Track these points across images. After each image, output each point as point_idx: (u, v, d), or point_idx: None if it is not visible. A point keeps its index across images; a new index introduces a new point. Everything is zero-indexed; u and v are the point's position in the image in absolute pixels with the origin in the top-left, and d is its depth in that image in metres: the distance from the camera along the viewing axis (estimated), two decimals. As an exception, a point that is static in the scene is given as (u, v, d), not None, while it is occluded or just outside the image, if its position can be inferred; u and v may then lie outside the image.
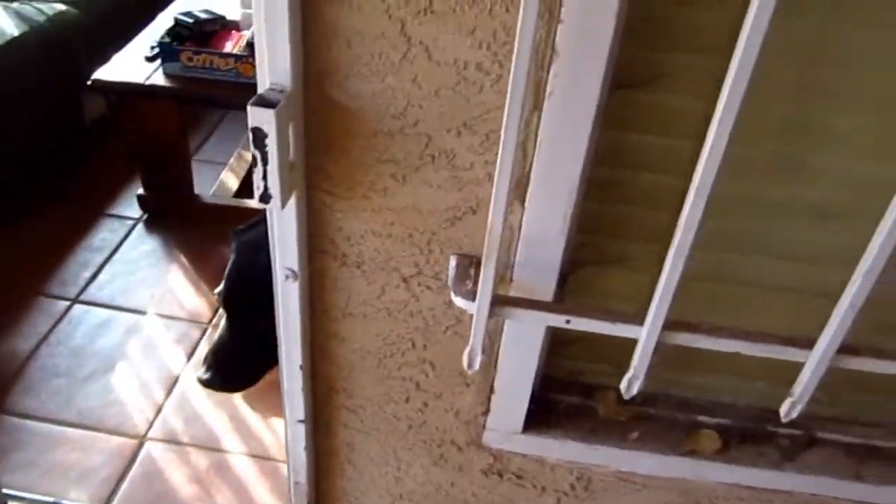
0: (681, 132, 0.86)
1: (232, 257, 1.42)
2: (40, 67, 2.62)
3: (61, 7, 2.77)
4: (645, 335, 0.81)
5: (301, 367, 1.02)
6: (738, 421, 1.11)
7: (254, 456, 1.92)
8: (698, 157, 0.68)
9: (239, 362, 1.40)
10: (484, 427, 1.09)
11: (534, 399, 1.05)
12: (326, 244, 0.91)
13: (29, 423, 1.94)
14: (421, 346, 1.00)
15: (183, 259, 2.49)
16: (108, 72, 2.32)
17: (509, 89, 0.65)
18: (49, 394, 2.01)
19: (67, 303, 2.29)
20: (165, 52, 2.29)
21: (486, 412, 1.07)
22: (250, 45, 2.28)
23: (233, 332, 1.39)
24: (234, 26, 2.42)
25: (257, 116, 0.73)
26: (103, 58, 2.93)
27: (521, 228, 0.85)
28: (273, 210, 0.86)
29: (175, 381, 2.09)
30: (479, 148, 0.80)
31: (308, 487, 1.21)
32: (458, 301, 0.85)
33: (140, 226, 2.61)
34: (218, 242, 2.55)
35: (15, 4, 2.71)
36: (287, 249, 0.89)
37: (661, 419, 1.11)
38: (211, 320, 2.28)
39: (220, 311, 1.42)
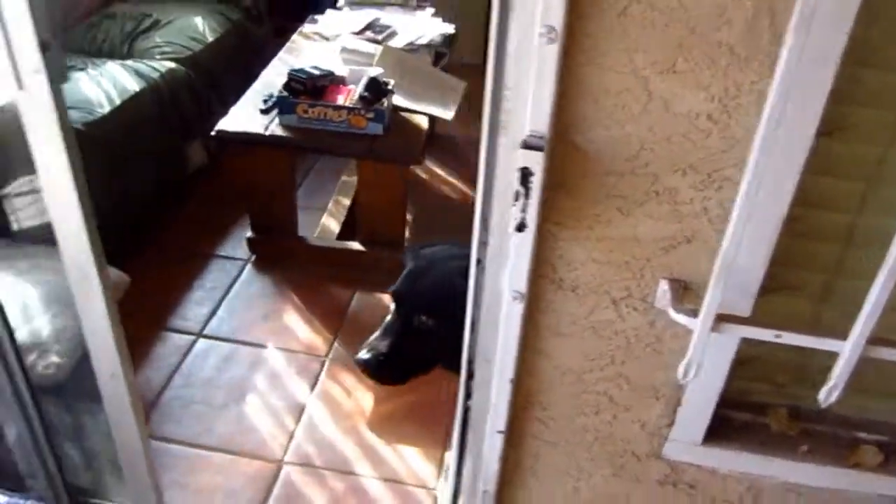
0: (856, 175, 0.99)
1: (409, 265, 1.60)
2: (154, 120, 2.82)
3: (171, 65, 2.98)
4: (849, 349, 0.92)
5: (511, 381, 1.15)
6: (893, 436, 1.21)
7: (386, 480, 2.03)
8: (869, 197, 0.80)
9: (399, 354, 1.55)
10: (666, 439, 1.20)
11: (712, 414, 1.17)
12: (547, 270, 1.05)
13: (173, 447, 2.08)
14: (620, 362, 1.13)
15: (294, 297, 2.64)
16: (229, 123, 2.51)
17: (757, 142, 0.79)
18: (189, 420, 2.15)
19: (192, 337, 2.45)
20: (282, 105, 2.48)
21: (671, 424, 1.18)
22: (362, 99, 2.47)
23: (396, 325, 1.55)
24: (342, 81, 2.60)
25: (528, 158, 0.87)
26: (208, 111, 3.16)
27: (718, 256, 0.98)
28: (512, 239, 0.99)
29: (302, 409, 2.22)
30: (699, 185, 0.93)
31: (494, 495, 1.32)
32: (680, 318, 0.97)
33: (249, 266, 2.77)
34: (325, 282, 2.71)
35: (130, 62, 2.93)
36: (518, 274, 1.03)
37: (827, 434, 1.21)
38: (327, 353, 2.42)
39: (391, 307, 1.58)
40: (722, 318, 0.95)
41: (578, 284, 1.06)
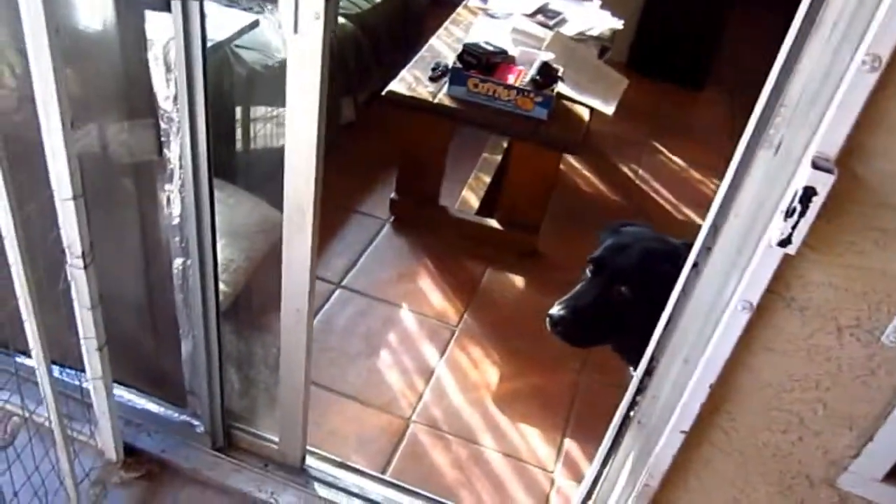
0: None
1: (609, 239, 1.64)
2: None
3: (341, 20, 3.07)
4: None
5: (710, 386, 1.17)
6: None
7: (507, 455, 2.09)
8: None
9: (588, 317, 1.59)
10: (845, 469, 1.21)
11: None
12: (780, 287, 1.07)
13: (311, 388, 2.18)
14: (824, 388, 1.14)
15: (429, 263, 2.72)
16: (399, 86, 2.58)
17: None
18: (325, 364, 2.25)
19: (332, 286, 2.55)
20: (454, 76, 2.53)
21: (855, 456, 1.19)
22: (534, 81, 2.49)
23: (592, 290, 1.59)
24: (512, 61, 2.64)
25: (816, 178, 0.89)
26: (365, 70, 3.24)
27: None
28: (766, 250, 1.02)
29: (431, 373, 2.29)
30: (971, 232, 0.94)
31: (654, 491, 1.35)
32: (918, 357, 0.98)
33: (388, 226, 2.86)
34: (459, 253, 2.77)
35: (304, 13, 3.04)
36: (754, 285, 1.05)
37: None
38: (458, 323, 2.49)
39: (586, 273, 1.63)
40: (966, 365, 0.96)
41: (808, 306, 1.07)
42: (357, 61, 3.14)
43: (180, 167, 1.46)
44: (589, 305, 1.57)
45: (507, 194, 2.75)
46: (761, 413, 1.21)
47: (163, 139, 1.45)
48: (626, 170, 3.44)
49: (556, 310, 1.59)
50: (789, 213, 0.94)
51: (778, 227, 0.96)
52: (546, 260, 2.79)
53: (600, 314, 1.58)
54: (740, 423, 1.24)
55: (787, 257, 1.02)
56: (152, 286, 1.79)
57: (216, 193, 2.27)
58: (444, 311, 2.53)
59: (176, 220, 1.55)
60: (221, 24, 2.34)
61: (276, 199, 1.50)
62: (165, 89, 1.36)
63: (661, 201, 3.28)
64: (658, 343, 1.34)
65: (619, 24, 3.04)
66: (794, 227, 0.94)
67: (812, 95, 0.93)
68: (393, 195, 2.85)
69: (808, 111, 0.94)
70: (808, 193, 0.91)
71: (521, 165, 2.64)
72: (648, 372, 1.38)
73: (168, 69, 1.33)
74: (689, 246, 1.62)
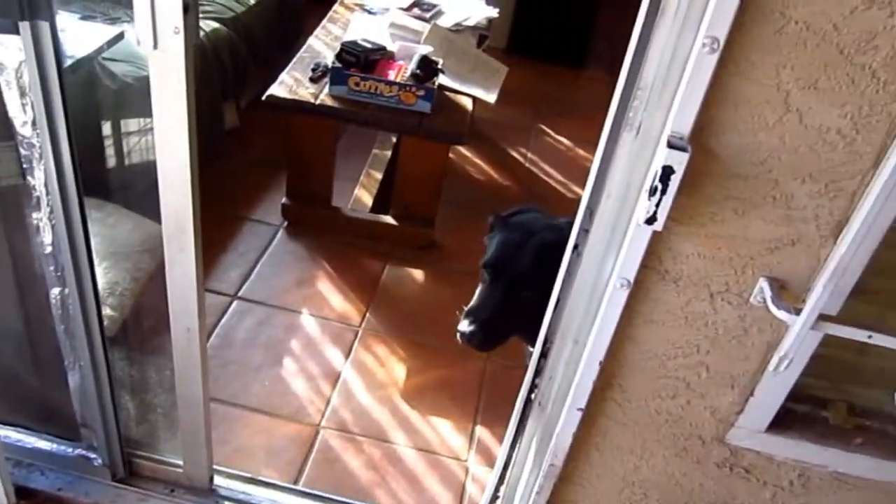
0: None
1: (499, 235, 1.65)
2: (197, 78, 2.82)
3: (215, 25, 2.99)
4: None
5: (600, 363, 1.22)
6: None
7: (420, 450, 2.11)
8: None
9: (498, 324, 1.61)
10: (732, 425, 1.28)
11: (777, 404, 1.25)
12: (654, 261, 1.11)
13: (213, 405, 2.12)
14: (704, 352, 1.20)
15: (326, 266, 2.69)
16: (280, 89, 2.53)
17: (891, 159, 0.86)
18: (227, 380, 2.20)
19: (228, 299, 2.49)
20: (335, 75, 2.51)
21: (740, 412, 1.26)
22: (414, 76, 2.50)
23: (495, 297, 1.61)
24: (392, 56, 2.63)
25: (673, 157, 0.94)
26: (244, 73, 3.17)
27: (828, 259, 1.05)
28: (630, 230, 1.06)
29: (338, 377, 2.28)
30: (815, 194, 1.01)
31: (560, 470, 1.39)
32: (781, 314, 1.05)
33: (282, 232, 2.81)
34: (357, 253, 2.76)
35: (173, 20, 2.93)
36: (629, 263, 1.10)
37: (880, 430, 1.30)
38: (360, 324, 2.48)
39: (484, 277, 1.64)
40: (823, 318, 1.03)
41: (681, 276, 1.13)
42: (234, 65, 3.06)
43: (47, 193, 1.39)
44: (496, 313, 1.59)
45: (399, 189, 2.75)
46: (650, 382, 1.26)
47: (25, 166, 1.37)
48: (515, 154, 3.51)
49: (464, 326, 1.60)
50: (652, 192, 0.98)
51: (643, 207, 1.01)
52: (444, 251, 2.82)
53: (508, 318, 1.61)
54: (632, 395, 1.29)
55: (656, 233, 1.07)
56: (30, 318, 1.70)
57: (94, 214, 2.17)
58: (346, 312, 2.51)
59: (48, 249, 1.47)
60: (85, 38, 2.23)
61: (160, 215, 1.44)
62: (22, 115, 1.28)
63: (552, 182, 3.37)
64: (549, 325, 1.38)
65: (494, 12, 3.09)
66: (657, 206, 0.98)
67: (663, 78, 0.98)
68: (284, 200, 2.80)
69: (661, 93, 0.98)
70: (667, 172, 0.95)
71: (409, 160, 2.65)
72: (544, 354, 1.42)
73: (22, 94, 1.26)
74: (572, 222, 1.67)
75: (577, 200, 3.49)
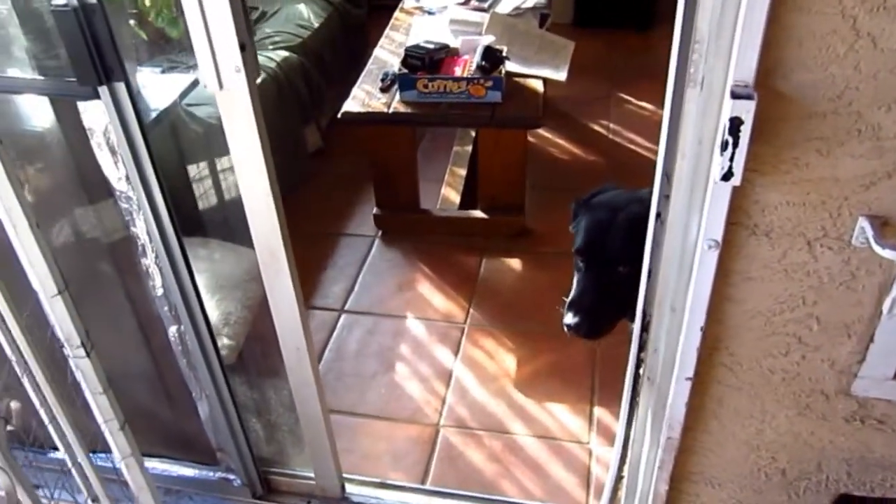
0: None
1: (584, 219, 1.62)
2: (275, 109, 2.94)
3: (285, 53, 3.09)
4: None
5: (701, 329, 1.18)
6: None
7: (539, 437, 2.11)
8: None
9: (602, 309, 1.59)
10: (856, 376, 1.21)
11: (904, 345, 1.17)
12: (741, 216, 1.07)
13: (334, 416, 2.19)
14: (811, 303, 1.14)
15: (424, 268, 2.73)
16: (353, 105, 2.59)
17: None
18: (344, 391, 2.27)
19: (335, 313, 2.57)
20: (402, 82, 2.54)
21: (861, 361, 1.19)
22: (480, 68, 2.50)
23: (594, 282, 1.58)
24: (456, 53, 2.64)
25: (739, 107, 0.90)
26: (319, 94, 3.26)
27: (932, 186, 0.98)
28: (709, 188, 1.02)
29: (450, 375, 2.31)
30: (904, 118, 0.94)
31: (679, 441, 1.36)
32: (886, 252, 0.98)
33: (377, 241, 2.88)
34: (452, 251, 2.79)
35: (246, 56, 3.05)
36: (714, 222, 1.06)
37: None
38: (465, 320, 2.50)
39: (578, 265, 1.62)
40: (936, 250, 0.96)
41: (772, 228, 1.08)
42: (309, 89, 3.16)
43: (150, 240, 1.48)
44: (598, 299, 1.57)
45: (483, 182, 2.76)
46: (758, 341, 1.22)
47: (126, 218, 1.47)
48: (596, 127, 3.44)
49: (570, 318, 1.59)
50: (724, 147, 0.94)
51: (718, 163, 0.97)
52: (536, 236, 2.80)
53: (611, 301, 1.58)
54: (741, 357, 1.24)
55: (737, 188, 1.03)
56: (156, 357, 1.82)
57: (200, 252, 2.30)
58: (450, 310, 2.54)
59: (160, 291, 1.57)
60: (166, 89, 2.36)
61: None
62: (116, 172, 1.38)
63: (639, 150, 3.28)
64: (645, 297, 1.35)
65: (552, -12, 3.04)
66: (731, 160, 0.94)
67: (717, 26, 0.94)
68: (375, 210, 2.87)
69: (717, 42, 0.94)
70: (735, 124, 0.92)
71: (489, 151, 2.65)
72: (644, 327, 1.40)
73: (113, 153, 1.35)
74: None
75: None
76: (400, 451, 2.10)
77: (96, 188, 1.49)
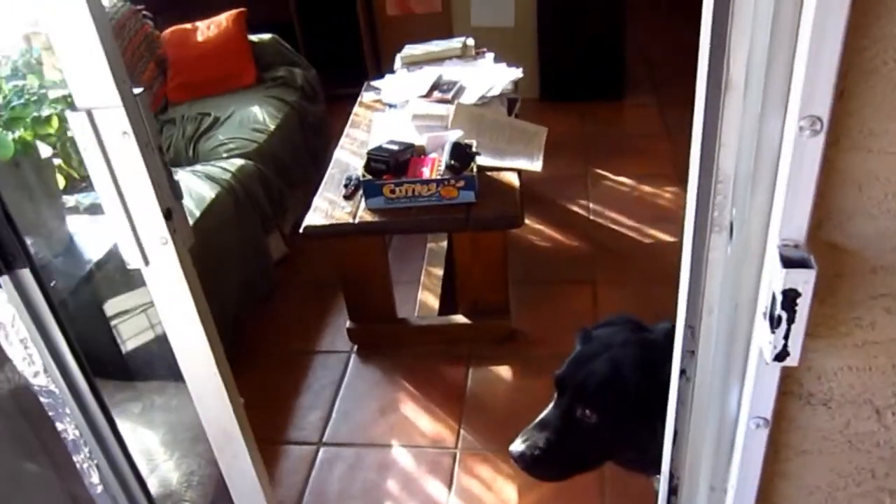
0: None
1: (577, 348, 1.43)
2: (234, 222, 2.73)
3: (240, 161, 2.91)
4: None
5: (752, 513, 0.97)
6: None
7: (554, 583, 1.85)
8: None
9: (555, 450, 1.37)
10: (938, 547, 1.00)
11: None
12: (792, 386, 0.87)
13: (320, 578, 1.94)
14: (882, 475, 0.94)
15: (407, 385, 2.50)
16: (315, 217, 2.39)
17: None
18: (330, 545, 2.01)
19: (313, 447, 2.32)
20: (368, 189, 2.35)
21: (944, 532, 0.98)
22: (450, 167, 2.33)
23: (557, 418, 1.38)
24: (422, 151, 2.47)
25: (793, 278, 0.70)
26: (280, 200, 3.07)
27: None
28: (761, 365, 0.82)
29: (446, 512, 2.06)
30: None
31: None
32: None
33: (353, 357, 2.64)
34: (435, 362, 2.56)
35: (200, 167, 2.86)
36: (762, 399, 0.86)
37: None
38: (456, 444, 2.26)
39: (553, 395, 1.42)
40: None
41: (831, 397, 0.88)
42: (269, 197, 2.97)
43: (80, 435, 1.25)
44: (553, 437, 1.36)
45: (463, 286, 2.56)
46: (820, 518, 1.00)
47: (51, 413, 1.23)
48: (575, 208, 3.28)
49: (516, 446, 1.38)
50: (774, 323, 0.74)
51: (767, 339, 0.77)
52: (525, 338, 2.59)
53: (570, 443, 1.37)
54: (800, 535, 1.03)
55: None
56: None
57: (156, 400, 2.04)
58: (438, 433, 2.30)
59: (99, 489, 1.33)
60: (96, 235, 2.12)
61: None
62: (30, 367, 1.15)
63: (623, 229, 3.12)
64: (672, 460, 1.13)
65: (518, 72, 2.90)
66: (786, 338, 0.75)
67: (749, 170, 0.75)
68: (348, 323, 2.64)
69: (750, 187, 0.76)
70: (790, 297, 0.72)
71: (466, 254, 2.46)
72: (673, 491, 1.18)
73: (25, 346, 1.13)
74: (672, 334, 1.42)
75: (655, 243, 3.21)
76: None
77: (11, 387, 1.26)
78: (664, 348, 1.37)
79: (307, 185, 3.20)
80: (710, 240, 0.88)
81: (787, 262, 0.72)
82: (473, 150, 2.39)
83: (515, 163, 2.50)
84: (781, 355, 0.76)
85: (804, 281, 0.71)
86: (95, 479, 1.31)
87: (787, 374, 0.86)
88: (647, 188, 3.32)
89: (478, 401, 2.41)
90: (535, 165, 2.50)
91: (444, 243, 3.00)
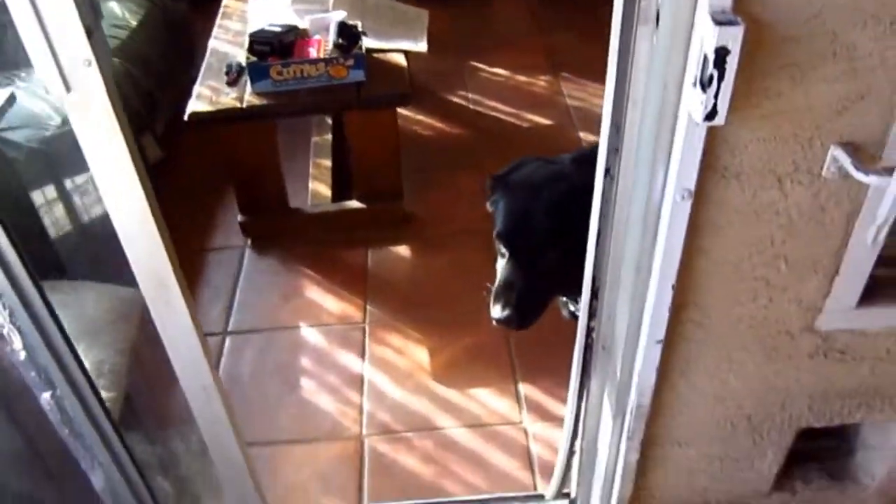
0: None
1: (503, 200, 1.49)
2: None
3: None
4: None
5: (673, 287, 1.10)
6: None
7: (470, 426, 1.99)
8: None
9: (530, 296, 1.47)
10: (820, 311, 1.18)
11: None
12: (711, 160, 0.99)
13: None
14: (780, 242, 1.09)
15: (308, 271, 2.52)
16: (200, 104, 2.31)
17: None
18: (250, 420, 2.03)
19: (219, 337, 2.30)
20: (254, 71, 2.29)
21: (827, 295, 1.16)
22: (338, 46, 2.31)
23: (521, 270, 1.46)
24: (305, 34, 2.43)
25: (725, 35, 0.80)
26: (150, 100, 2.92)
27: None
28: (690, 131, 0.92)
29: (362, 380, 2.13)
30: (879, 35, 0.88)
31: (649, 409, 1.28)
32: (871, 179, 0.93)
33: (248, 251, 2.61)
34: (334, 248, 2.59)
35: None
36: (687, 169, 0.96)
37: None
38: (364, 319, 2.32)
39: (500, 251, 1.49)
40: (918, 169, 0.92)
41: (742, 169, 1.00)
42: (139, 95, 2.80)
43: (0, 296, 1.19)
44: (526, 289, 1.46)
45: (357, 169, 2.57)
46: (727, 292, 1.15)
47: (-37, 272, 1.17)
48: (456, 99, 3.34)
49: (497, 312, 1.47)
50: (706, 83, 0.84)
51: (698, 101, 0.87)
52: (420, 220, 2.66)
53: (541, 287, 1.47)
54: (710, 310, 1.17)
55: (710, 129, 0.94)
56: (31, 436, 1.50)
57: (52, 296, 1.95)
58: (345, 312, 2.35)
59: (23, 355, 1.28)
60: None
61: (121, 275, 1.27)
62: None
63: (503, 116, 3.21)
64: (595, 262, 1.25)
65: (393, -42, 2.87)
66: (716, 96, 0.84)
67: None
68: (240, 217, 2.60)
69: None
70: (721, 54, 0.81)
71: (359, 136, 2.47)
72: (594, 294, 1.30)
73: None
74: (577, 160, 1.53)
75: (533, 127, 3.34)
76: (327, 472, 1.90)
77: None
78: (577, 172, 1.48)
79: (176, 86, 3.05)
80: (636, 34, 0.96)
81: (719, 23, 0.81)
82: (359, 29, 2.38)
83: (401, 44, 2.50)
84: (711, 114, 0.86)
85: (734, 38, 0.80)
86: (18, 344, 1.26)
87: (707, 150, 0.97)
88: (522, 78, 3.43)
89: (380, 279, 2.47)
90: (421, 46, 2.52)
91: (329, 136, 2.98)
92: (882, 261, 1.17)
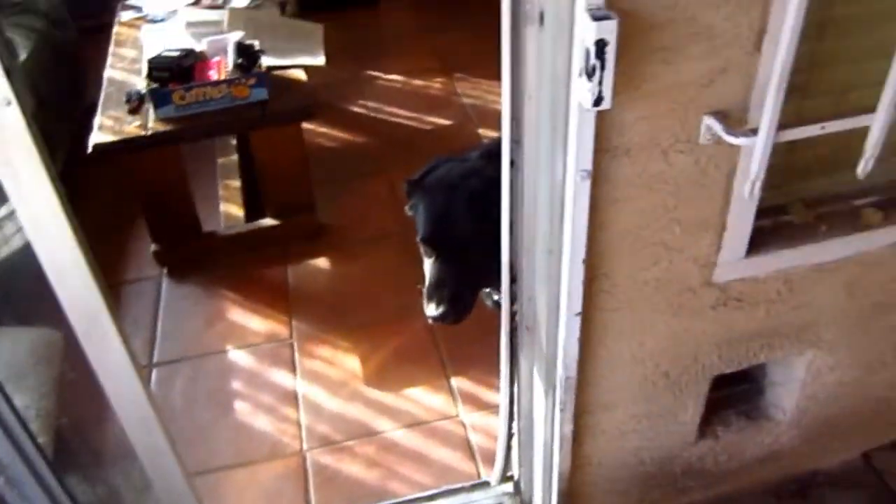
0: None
1: (421, 203, 1.55)
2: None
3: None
4: (880, 120, 1.04)
5: (583, 261, 1.18)
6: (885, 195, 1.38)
7: (409, 426, 2.04)
8: None
9: (462, 291, 1.54)
10: (715, 265, 1.30)
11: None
12: (602, 142, 1.08)
13: (186, 481, 1.95)
14: (672, 208, 1.20)
15: (229, 294, 2.51)
16: (102, 135, 2.27)
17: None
18: (189, 449, 2.00)
19: (145, 371, 2.27)
20: (156, 98, 2.28)
21: (718, 249, 1.28)
22: (238, 67, 2.33)
23: (449, 268, 1.53)
24: (204, 57, 2.42)
25: (603, 29, 0.89)
26: (45, 136, 2.83)
27: (758, 73, 1.06)
28: (582, 117, 1.01)
29: (296, 396, 2.15)
30: (731, 14, 0.99)
31: (576, 379, 1.37)
32: (740, 141, 1.04)
33: (166, 280, 2.58)
34: (252, 268, 2.59)
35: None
36: (583, 153, 1.05)
37: (837, 212, 1.36)
38: (290, 335, 2.34)
39: (427, 252, 1.55)
40: (782, 126, 1.04)
41: (631, 146, 1.10)
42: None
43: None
44: (457, 285, 1.53)
45: (268, 187, 2.59)
46: (631, 259, 1.25)
47: None
48: (356, 109, 3.39)
49: (432, 310, 1.54)
50: (591, 73, 0.93)
51: (585, 90, 0.96)
52: (335, 230, 2.70)
53: (470, 281, 1.55)
54: (618, 279, 1.27)
55: (599, 114, 1.03)
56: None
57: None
58: (271, 330, 2.36)
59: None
60: None
61: (36, 315, 1.26)
62: None
63: (404, 121, 3.29)
64: (511, 249, 1.33)
65: (279, -23, 2.90)
66: (601, 83, 0.94)
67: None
68: (153, 247, 2.57)
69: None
70: (601, 46, 0.91)
71: (267, 153, 2.49)
72: (514, 279, 1.38)
73: None
74: (485, 154, 1.61)
75: (435, 129, 3.43)
76: (271, 491, 1.91)
77: None
78: (487, 166, 1.55)
79: (72, 119, 2.98)
80: (524, 34, 1.05)
81: (596, 18, 0.90)
82: (257, 48, 2.40)
83: (299, 59, 2.54)
84: (598, 100, 0.95)
85: (610, 31, 0.89)
86: (-55, 395, 1.23)
87: (598, 133, 1.07)
88: (418, 82, 3.51)
89: (302, 293, 2.49)
90: (319, 60, 2.56)
91: (235, 156, 2.97)
92: (762, 213, 1.30)
